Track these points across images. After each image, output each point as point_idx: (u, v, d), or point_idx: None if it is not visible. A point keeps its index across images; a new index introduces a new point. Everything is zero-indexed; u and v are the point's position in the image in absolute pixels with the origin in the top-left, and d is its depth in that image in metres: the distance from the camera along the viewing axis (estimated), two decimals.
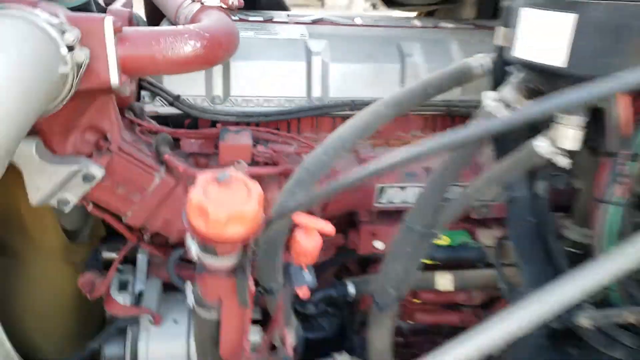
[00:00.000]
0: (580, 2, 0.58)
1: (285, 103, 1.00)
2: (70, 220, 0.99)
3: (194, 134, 0.94)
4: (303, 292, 0.65)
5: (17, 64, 0.51)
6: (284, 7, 1.40)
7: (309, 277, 0.65)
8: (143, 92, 0.95)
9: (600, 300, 0.73)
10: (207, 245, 0.54)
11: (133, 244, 0.93)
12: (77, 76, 0.60)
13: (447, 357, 0.55)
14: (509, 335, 0.56)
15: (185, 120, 0.98)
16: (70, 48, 0.58)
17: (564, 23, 0.59)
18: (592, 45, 0.59)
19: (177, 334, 0.94)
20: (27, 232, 0.92)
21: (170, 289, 0.98)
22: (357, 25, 1.15)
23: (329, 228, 0.58)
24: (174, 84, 0.95)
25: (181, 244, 0.91)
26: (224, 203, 0.50)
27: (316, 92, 1.01)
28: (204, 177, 0.51)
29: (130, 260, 1.01)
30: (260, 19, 1.13)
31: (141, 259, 1.00)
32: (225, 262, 0.58)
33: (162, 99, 0.94)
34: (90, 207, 0.83)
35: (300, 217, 0.58)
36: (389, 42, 1.07)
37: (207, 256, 0.57)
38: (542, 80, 0.66)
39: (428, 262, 1.00)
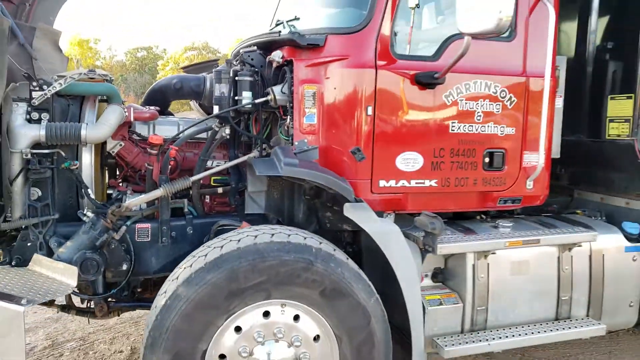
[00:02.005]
0: None
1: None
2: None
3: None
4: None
5: (119, 114, 2.95)
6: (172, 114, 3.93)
7: None
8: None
9: None
10: (151, 146, 2.97)
11: (125, 171, 3.27)
12: (123, 117, 3.04)
13: None
14: None
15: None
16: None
17: None
18: None
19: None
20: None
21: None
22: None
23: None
24: (138, 129, 3.38)
25: (141, 170, 3.29)
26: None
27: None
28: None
29: None
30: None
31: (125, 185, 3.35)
32: (154, 151, 3.00)
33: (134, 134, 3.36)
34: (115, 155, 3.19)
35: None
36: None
37: (152, 151, 2.99)
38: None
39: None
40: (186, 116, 3.86)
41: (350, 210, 2.69)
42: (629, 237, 3.43)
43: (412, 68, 2.92)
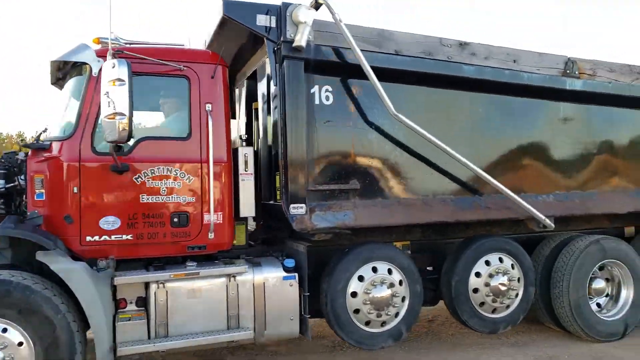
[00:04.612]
0: None
1: None
2: None
3: None
4: None
5: None
6: None
7: None
8: None
9: None
10: None
11: None
12: None
13: None
14: None
15: None
16: None
17: None
18: None
19: None
20: None
21: None
22: None
23: None
24: None
25: None
26: None
27: None
28: None
29: None
30: None
31: None
32: None
33: None
34: None
35: None
36: None
37: None
38: None
39: None
40: None
41: (41, 256, 4.08)
42: (287, 269, 4.86)
43: (109, 161, 4.41)
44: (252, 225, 6.33)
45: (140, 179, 4.51)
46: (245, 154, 5.06)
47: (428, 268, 5.99)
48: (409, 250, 5.71)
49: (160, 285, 4.42)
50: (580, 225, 6.51)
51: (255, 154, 5.91)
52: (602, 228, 6.62)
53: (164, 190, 4.58)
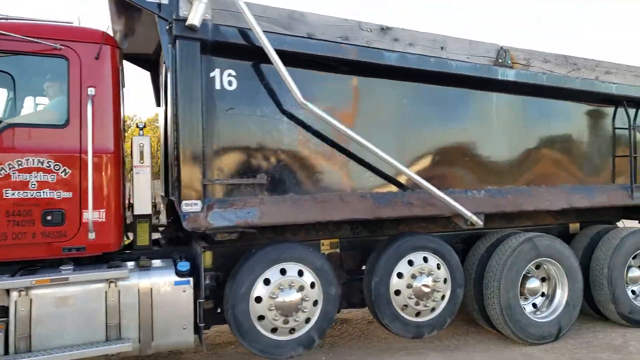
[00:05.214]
0: None
1: None
2: None
3: None
4: None
5: None
6: None
7: None
8: None
9: None
10: None
11: None
12: None
13: None
14: None
15: None
16: None
17: None
18: None
19: None
20: None
21: None
22: None
23: None
24: None
25: None
26: None
27: None
28: None
29: None
30: None
31: None
32: None
33: None
34: None
35: None
36: None
37: None
38: None
39: None
40: None
41: None
42: (180, 274, 4.34)
43: None
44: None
45: (4, 171, 3.95)
46: (141, 143, 4.55)
47: (362, 268, 5.54)
48: (338, 249, 5.30)
49: (22, 293, 3.85)
50: (522, 222, 6.24)
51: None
52: (546, 225, 6.40)
53: (34, 185, 4.02)
